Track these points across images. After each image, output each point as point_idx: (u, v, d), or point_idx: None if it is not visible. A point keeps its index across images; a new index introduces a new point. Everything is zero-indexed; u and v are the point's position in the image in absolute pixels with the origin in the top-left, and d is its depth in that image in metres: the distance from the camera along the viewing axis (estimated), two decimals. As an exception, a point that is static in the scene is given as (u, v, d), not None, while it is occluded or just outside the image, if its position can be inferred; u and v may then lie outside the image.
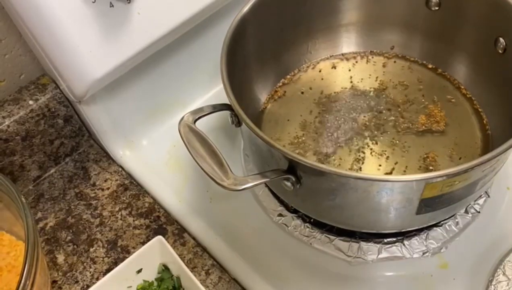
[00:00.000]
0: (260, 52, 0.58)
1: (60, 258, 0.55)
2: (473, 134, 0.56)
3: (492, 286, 0.48)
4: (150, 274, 0.52)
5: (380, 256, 0.51)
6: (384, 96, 0.60)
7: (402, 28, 0.63)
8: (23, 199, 0.47)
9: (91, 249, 0.56)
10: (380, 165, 0.54)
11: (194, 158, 0.44)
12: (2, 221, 0.54)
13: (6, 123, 0.56)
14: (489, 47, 0.55)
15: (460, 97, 0.59)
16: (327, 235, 0.53)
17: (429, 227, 0.52)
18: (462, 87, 0.60)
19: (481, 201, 0.54)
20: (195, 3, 0.56)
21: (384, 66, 0.64)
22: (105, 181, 0.62)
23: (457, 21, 0.58)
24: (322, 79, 0.63)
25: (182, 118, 0.47)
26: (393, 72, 0.63)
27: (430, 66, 0.63)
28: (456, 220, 0.53)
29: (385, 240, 0.52)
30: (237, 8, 0.53)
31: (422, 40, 0.62)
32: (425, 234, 0.52)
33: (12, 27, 0.55)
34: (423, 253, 0.51)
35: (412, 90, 0.61)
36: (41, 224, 0.58)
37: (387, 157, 0.54)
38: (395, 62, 0.64)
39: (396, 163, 0.54)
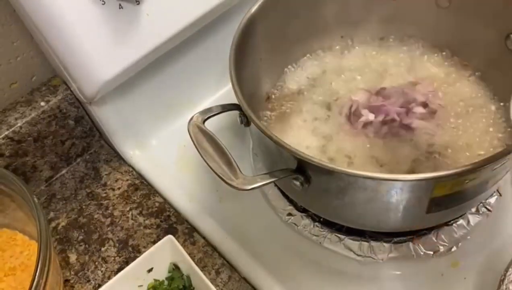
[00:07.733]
0: (268, 51, 0.58)
1: (72, 258, 0.56)
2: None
3: (504, 285, 0.48)
4: (161, 273, 0.52)
5: (390, 255, 0.51)
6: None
7: (412, 25, 0.62)
8: (35, 199, 0.47)
9: (103, 249, 0.56)
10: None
11: (203, 158, 0.44)
12: (15, 221, 0.54)
13: (19, 124, 0.57)
14: (499, 44, 0.54)
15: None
16: (337, 234, 0.53)
17: (439, 226, 0.52)
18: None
19: (492, 199, 0.54)
20: (204, 4, 0.56)
21: (393, 63, 0.63)
22: (116, 181, 0.63)
23: (467, 18, 0.57)
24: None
25: (191, 118, 0.47)
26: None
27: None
28: (467, 218, 0.53)
29: (395, 239, 0.52)
30: (245, 8, 0.53)
31: (432, 38, 0.62)
32: (436, 233, 0.52)
33: (24, 30, 0.55)
34: (434, 252, 0.51)
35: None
36: (53, 224, 0.59)
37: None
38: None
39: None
